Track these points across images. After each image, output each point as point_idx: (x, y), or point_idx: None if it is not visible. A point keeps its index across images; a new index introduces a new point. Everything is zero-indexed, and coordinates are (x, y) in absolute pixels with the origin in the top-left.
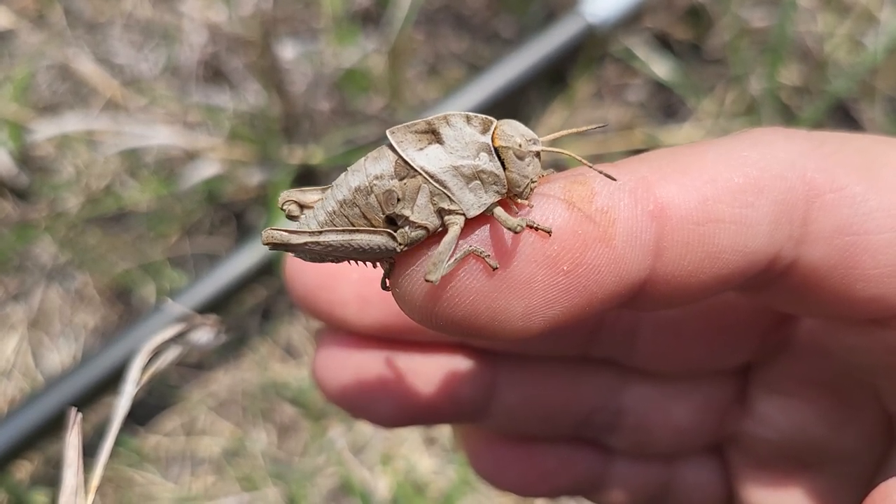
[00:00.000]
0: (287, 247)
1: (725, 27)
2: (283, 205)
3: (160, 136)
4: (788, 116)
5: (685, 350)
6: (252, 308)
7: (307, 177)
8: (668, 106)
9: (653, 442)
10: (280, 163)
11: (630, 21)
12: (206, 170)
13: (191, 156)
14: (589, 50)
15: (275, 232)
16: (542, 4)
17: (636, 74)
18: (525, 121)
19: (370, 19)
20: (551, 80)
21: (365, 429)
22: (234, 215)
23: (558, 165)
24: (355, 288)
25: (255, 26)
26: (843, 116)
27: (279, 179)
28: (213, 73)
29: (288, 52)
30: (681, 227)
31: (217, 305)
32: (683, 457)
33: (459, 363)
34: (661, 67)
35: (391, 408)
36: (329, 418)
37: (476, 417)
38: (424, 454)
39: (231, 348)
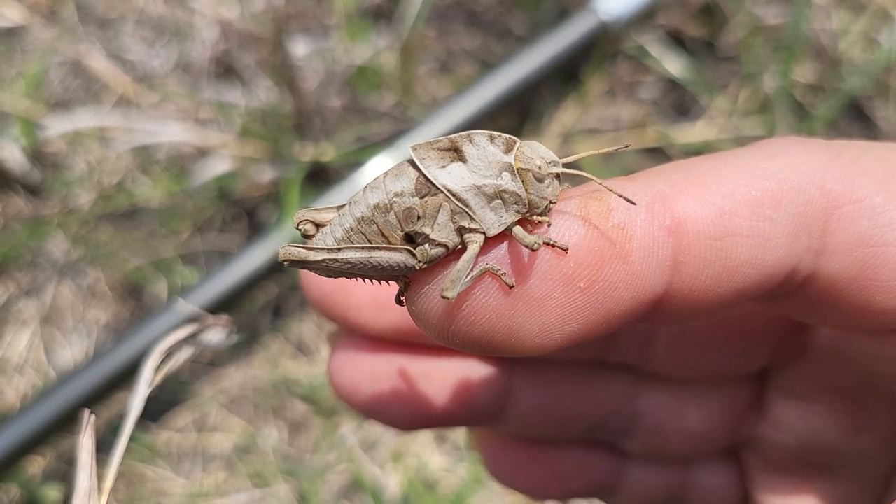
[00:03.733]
0: (304, 264)
1: (739, 24)
2: (298, 224)
3: (172, 132)
4: (802, 114)
5: (701, 355)
6: (263, 305)
7: (319, 174)
8: (680, 104)
9: (668, 446)
10: (292, 160)
11: (643, 18)
12: (218, 166)
13: (202, 152)
14: (602, 47)
15: (292, 249)
16: (555, 1)
17: (649, 72)
18: (538, 118)
19: (382, 16)
20: (564, 77)
21: (376, 426)
22: (245, 212)
23: (574, 166)
24: (371, 292)
25: (266, 23)
26: (858, 114)
27: (291, 176)
28: (225, 70)
29: (300, 48)
30: (698, 242)
31: (228, 303)
32: (699, 460)
33: (474, 367)
34: (674, 65)
35: (406, 411)
36: (340, 415)
37: (491, 421)
38: (435, 452)
39: (242, 345)
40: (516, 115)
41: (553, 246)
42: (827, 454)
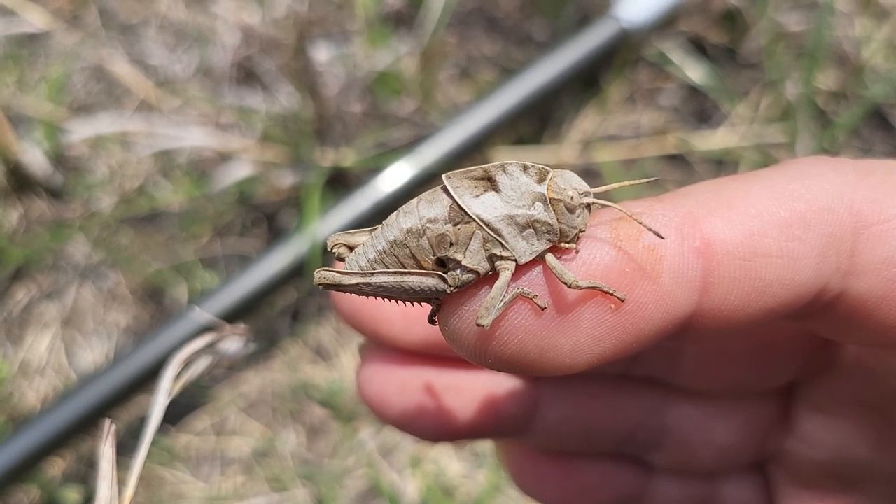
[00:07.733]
0: (339, 287)
1: (761, 31)
2: (332, 248)
3: (193, 137)
4: (824, 122)
5: (729, 370)
6: (282, 309)
7: (339, 179)
8: (701, 110)
9: (695, 459)
10: (312, 165)
11: (664, 25)
12: (239, 171)
13: (223, 157)
14: (622, 54)
15: (327, 273)
16: (576, 8)
17: (670, 78)
18: (558, 124)
19: (403, 22)
20: (584, 83)
21: (394, 431)
22: (265, 217)
23: (594, 173)
24: (400, 305)
25: (288, 28)
26: (881, 122)
27: (311, 181)
28: (246, 75)
29: (321, 54)
30: (727, 262)
31: (247, 307)
32: (726, 474)
33: (502, 380)
34: (695, 72)
35: (435, 424)
36: (359, 420)
37: (518, 433)
38: (454, 458)
39: (261, 350)
40: (536, 121)
41: (606, 293)
42: (854, 469)
